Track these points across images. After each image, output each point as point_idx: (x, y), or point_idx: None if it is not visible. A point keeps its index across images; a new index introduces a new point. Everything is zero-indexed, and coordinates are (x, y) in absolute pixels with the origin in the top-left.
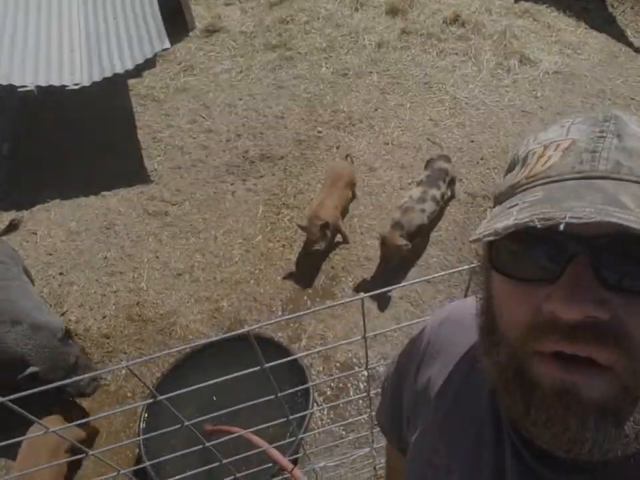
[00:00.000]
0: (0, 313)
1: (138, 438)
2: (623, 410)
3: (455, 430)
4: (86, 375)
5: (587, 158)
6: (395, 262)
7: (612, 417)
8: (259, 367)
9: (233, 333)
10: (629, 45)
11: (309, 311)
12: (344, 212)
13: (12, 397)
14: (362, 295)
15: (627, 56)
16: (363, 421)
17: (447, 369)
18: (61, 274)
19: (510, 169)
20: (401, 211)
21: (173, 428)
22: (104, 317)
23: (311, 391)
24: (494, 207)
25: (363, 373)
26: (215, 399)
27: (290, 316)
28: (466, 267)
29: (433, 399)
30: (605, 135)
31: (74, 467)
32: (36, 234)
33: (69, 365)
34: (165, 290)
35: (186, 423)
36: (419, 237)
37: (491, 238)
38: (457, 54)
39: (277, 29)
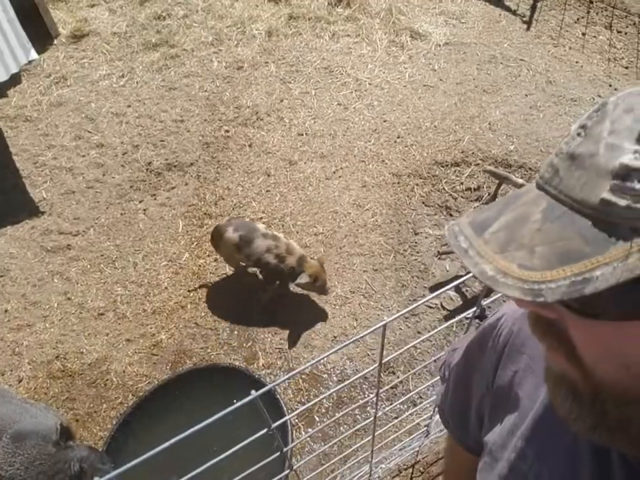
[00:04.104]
0: None
1: None
2: None
3: (548, 434)
4: None
5: (550, 161)
6: None
7: None
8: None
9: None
10: (507, 9)
11: (333, 351)
12: None
13: None
14: (385, 319)
15: (507, 20)
16: (343, 430)
17: (537, 365)
18: None
19: None
20: None
21: None
22: (20, 381)
23: (289, 422)
24: None
25: (333, 378)
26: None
27: (311, 362)
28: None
29: (520, 398)
30: (581, 133)
31: None
32: None
33: (71, 475)
34: (88, 335)
35: None
36: None
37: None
38: (349, 35)
39: (153, 26)
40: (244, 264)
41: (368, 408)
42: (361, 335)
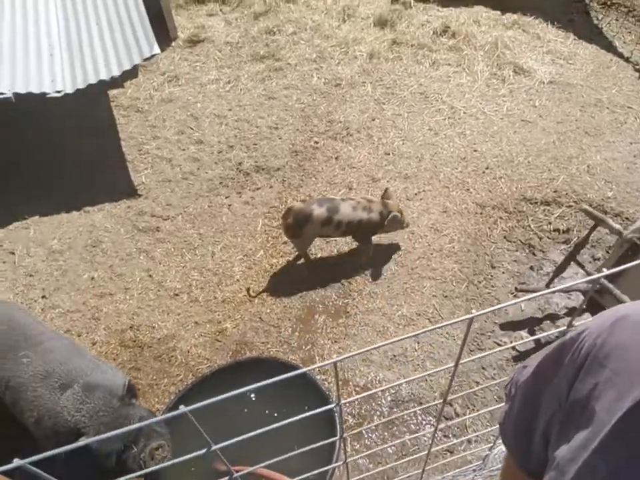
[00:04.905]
0: (49, 376)
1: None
2: None
3: (628, 452)
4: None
5: None
6: None
7: None
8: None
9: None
10: (619, 55)
11: (411, 334)
12: None
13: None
14: (474, 313)
15: (618, 66)
16: (390, 451)
17: (619, 379)
18: (43, 297)
19: None
20: None
21: (198, 453)
22: (94, 344)
23: (338, 419)
24: None
25: (387, 397)
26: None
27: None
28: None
29: (595, 412)
30: None
31: None
32: (14, 254)
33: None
34: (161, 312)
35: (214, 447)
36: None
37: None
38: (449, 64)
39: (263, 40)
40: (324, 238)
41: (419, 434)
42: (444, 324)
